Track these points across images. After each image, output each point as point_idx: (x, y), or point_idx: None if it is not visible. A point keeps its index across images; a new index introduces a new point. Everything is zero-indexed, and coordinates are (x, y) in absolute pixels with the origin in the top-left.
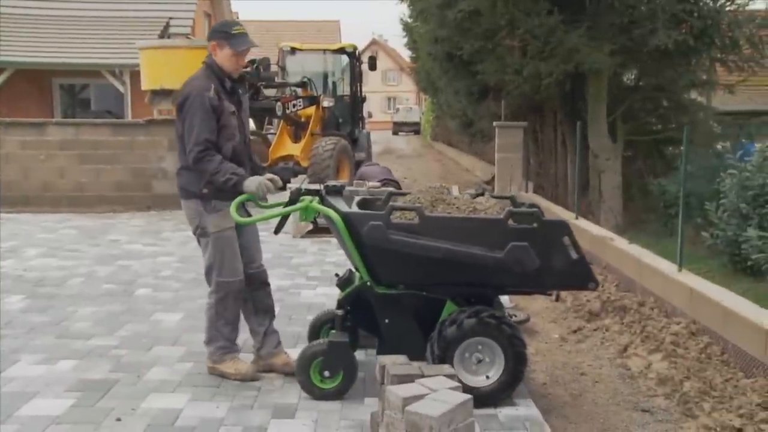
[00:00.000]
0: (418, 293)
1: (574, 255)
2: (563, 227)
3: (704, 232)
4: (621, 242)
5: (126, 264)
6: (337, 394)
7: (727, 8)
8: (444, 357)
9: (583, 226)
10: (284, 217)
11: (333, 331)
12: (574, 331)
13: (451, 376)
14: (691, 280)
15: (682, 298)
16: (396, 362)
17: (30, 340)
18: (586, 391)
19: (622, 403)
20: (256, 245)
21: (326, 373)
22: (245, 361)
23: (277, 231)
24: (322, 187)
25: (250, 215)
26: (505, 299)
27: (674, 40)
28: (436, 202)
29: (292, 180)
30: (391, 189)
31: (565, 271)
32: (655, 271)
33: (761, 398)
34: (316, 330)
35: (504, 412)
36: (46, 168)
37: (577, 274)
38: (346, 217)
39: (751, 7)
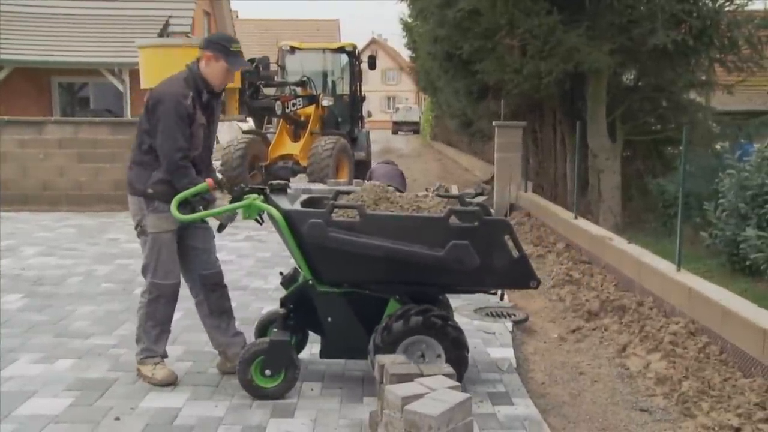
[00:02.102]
0: (360, 292)
1: (515, 254)
2: (504, 226)
3: (703, 231)
4: (620, 242)
5: (125, 263)
6: (279, 394)
7: (726, 9)
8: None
9: (582, 225)
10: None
11: (275, 330)
12: (573, 331)
13: (450, 375)
14: (689, 279)
15: (680, 297)
16: (395, 361)
17: (28, 339)
18: (584, 391)
19: (620, 403)
20: (210, 248)
21: (267, 372)
22: (167, 366)
23: (219, 230)
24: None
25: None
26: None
27: (673, 40)
28: (379, 201)
29: (292, 179)
30: (339, 188)
31: (506, 269)
32: (654, 271)
33: (759, 398)
34: (263, 329)
35: (503, 412)
36: (45, 167)
37: (519, 273)
38: (287, 215)
39: (750, 7)
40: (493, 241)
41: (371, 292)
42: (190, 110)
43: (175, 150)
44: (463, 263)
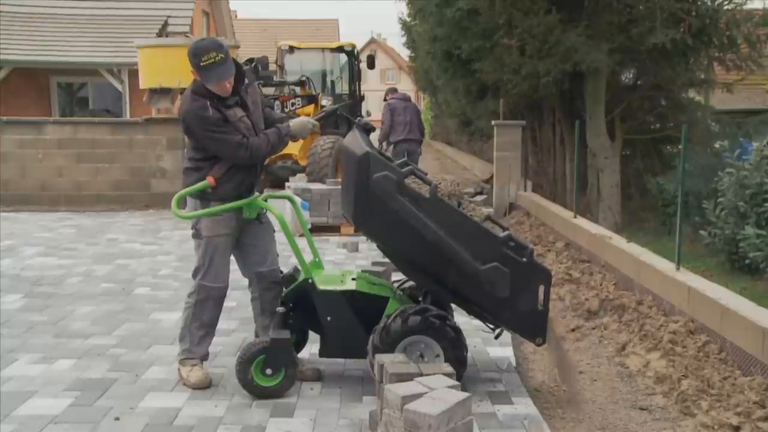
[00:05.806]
0: (360, 291)
1: (539, 305)
2: (546, 276)
3: (702, 230)
4: (619, 241)
5: (124, 263)
6: (278, 392)
7: (725, 7)
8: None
9: (581, 224)
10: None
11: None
12: (573, 330)
13: (449, 375)
14: (689, 278)
15: (680, 296)
16: (394, 361)
17: (28, 339)
18: (584, 390)
19: (620, 402)
20: (268, 245)
21: (268, 371)
22: (202, 369)
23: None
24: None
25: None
26: None
27: (672, 39)
28: (452, 197)
29: (291, 179)
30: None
31: (524, 314)
32: (654, 270)
33: (759, 396)
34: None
35: (503, 411)
36: (44, 167)
37: (533, 324)
38: (366, 156)
39: (749, 6)
40: (528, 283)
41: (394, 264)
42: (217, 116)
43: (236, 149)
44: (494, 288)
